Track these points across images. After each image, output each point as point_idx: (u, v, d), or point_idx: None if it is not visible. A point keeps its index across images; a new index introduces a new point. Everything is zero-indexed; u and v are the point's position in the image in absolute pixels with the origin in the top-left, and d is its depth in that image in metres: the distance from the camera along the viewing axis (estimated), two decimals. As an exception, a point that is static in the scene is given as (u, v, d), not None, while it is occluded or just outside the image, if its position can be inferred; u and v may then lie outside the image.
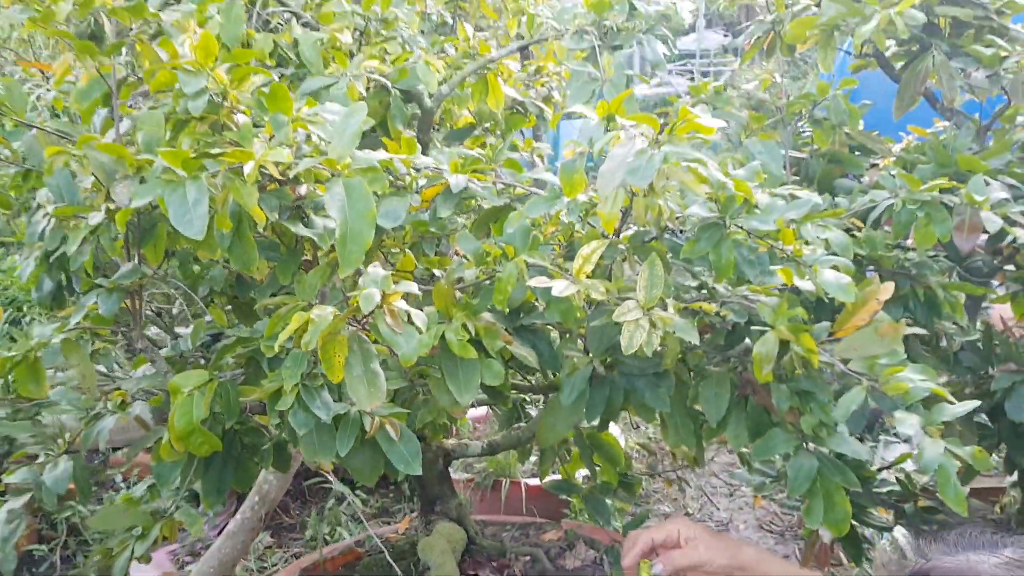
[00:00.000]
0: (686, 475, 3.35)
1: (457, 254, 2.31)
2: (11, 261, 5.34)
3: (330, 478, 4.18)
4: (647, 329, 1.55)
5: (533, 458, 4.61)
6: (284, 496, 4.55)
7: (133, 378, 1.80)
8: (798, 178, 2.92)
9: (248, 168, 1.31)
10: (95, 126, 1.72)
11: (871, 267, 2.23)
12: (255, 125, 1.53)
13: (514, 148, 3.05)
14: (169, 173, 1.32)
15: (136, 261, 1.64)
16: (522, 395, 2.55)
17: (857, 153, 3.01)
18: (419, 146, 2.04)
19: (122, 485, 4.54)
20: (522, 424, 2.47)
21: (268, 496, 3.75)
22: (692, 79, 14.31)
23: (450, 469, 3.59)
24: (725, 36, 16.06)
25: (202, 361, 1.91)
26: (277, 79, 1.77)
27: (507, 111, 3.28)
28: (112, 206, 1.52)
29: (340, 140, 1.40)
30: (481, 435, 4.52)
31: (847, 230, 2.25)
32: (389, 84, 2.14)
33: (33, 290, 2.36)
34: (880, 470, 2.95)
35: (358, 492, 4.97)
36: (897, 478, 3.04)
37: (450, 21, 3.87)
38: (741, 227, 1.67)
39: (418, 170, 1.86)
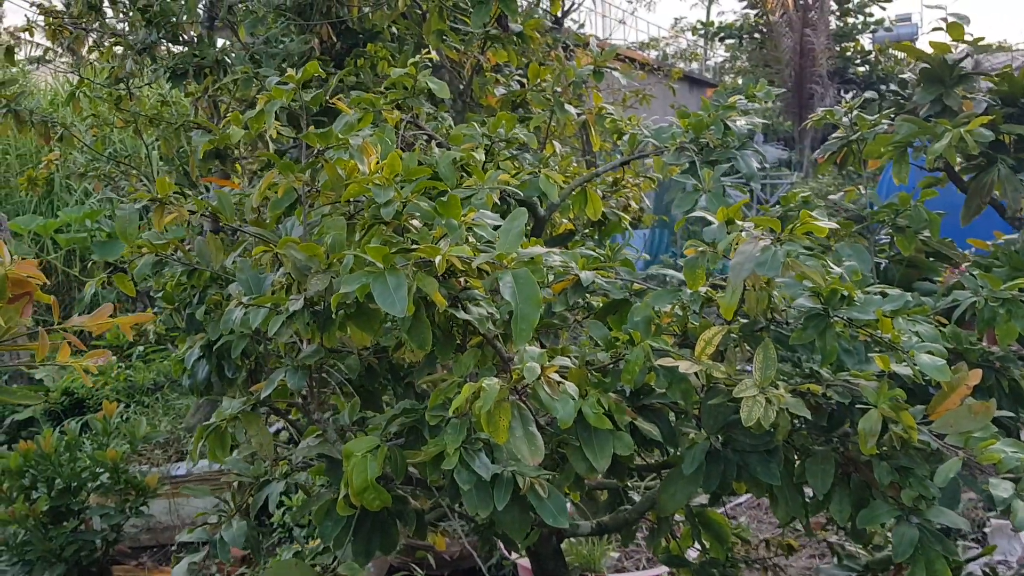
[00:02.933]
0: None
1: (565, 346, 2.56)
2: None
3: (415, 569, 4.34)
4: (764, 404, 1.77)
5: (615, 554, 4.73)
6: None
7: (302, 447, 2.05)
8: (878, 280, 3.14)
9: (437, 261, 1.59)
10: (286, 229, 2.03)
11: (958, 360, 2.40)
12: (428, 227, 1.82)
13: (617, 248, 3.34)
14: (371, 266, 1.61)
15: (320, 343, 1.91)
16: (625, 483, 2.74)
17: (932, 259, 3.23)
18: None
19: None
20: (627, 507, 2.65)
21: (366, 584, 3.91)
22: (750, 192, 14.69)
23: (520, 561, 3.73)
24: (783, 150, 16.46)
25: (359, 433, 2.15)
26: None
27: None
28: (307, 296, 1.81)
29: (506, 239, 1.68)
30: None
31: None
32: (520, 192, 2.43)
33: (186, 378, 2.67)
34: (967, 561, 3.05)
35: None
36: (983, 571, 3.13)
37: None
38: (843, 317, 1.89)
39: (550, 267, 2.13)
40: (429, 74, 2.69)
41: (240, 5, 4.33)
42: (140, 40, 4.06)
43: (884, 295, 2.23)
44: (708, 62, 36.80)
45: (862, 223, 2.85)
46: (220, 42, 5.50)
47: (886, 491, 1.98)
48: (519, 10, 3.84)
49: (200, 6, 4.45)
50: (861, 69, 26.37)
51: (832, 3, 26.19)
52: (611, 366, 1.96)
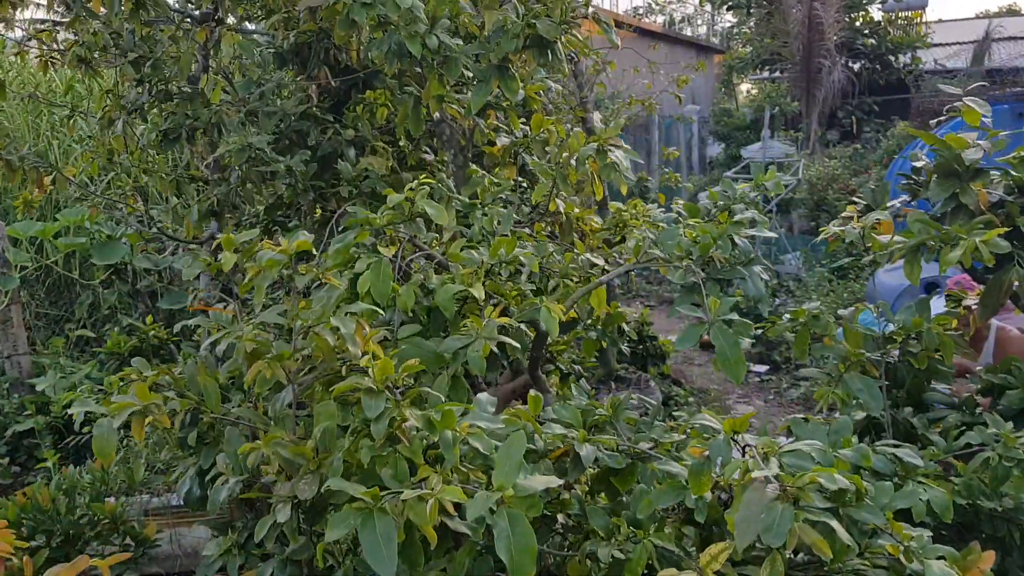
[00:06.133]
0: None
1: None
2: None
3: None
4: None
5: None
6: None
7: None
8: (888, 383, 3.06)
9: (429, 506, 1.52)
10: (280, 402, 1.96)
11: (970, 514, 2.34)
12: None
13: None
14: (360, 504, 1.54)
15: (308, 537, 1.85)
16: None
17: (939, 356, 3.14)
18: (541, 387, 2.25)
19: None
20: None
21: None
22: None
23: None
24: (790, 145, 16.26)
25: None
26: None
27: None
28: (294, 500, 1.74)
29: (503, 468, 1.60)
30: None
31: (946, 466, 2.41)
32: (515, 323, 2.36)
33: (184, 495, 2.64)
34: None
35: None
36: None
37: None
38: (853, 517, 1.82)
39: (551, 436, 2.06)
40: (426, 196, 2.57)
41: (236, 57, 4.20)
42: (131, 101, 3.94)
43: (896, 459, 2.17)
44: (716, 27, 36.28)
45: (875, 349, 2.76)
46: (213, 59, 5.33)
47: None
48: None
49: (196, 51, 4.32)
50: (871, 40, 25.87)
51: (842, -28, 25.63)
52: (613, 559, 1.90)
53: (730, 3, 30.61)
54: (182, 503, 2.49)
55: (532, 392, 2.19)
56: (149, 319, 7.90)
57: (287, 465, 1.79)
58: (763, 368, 8.94)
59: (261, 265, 2.05)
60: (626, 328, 4.01)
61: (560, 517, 2.17)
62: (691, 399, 8.00)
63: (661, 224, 3.26)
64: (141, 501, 5.81)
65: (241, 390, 2.61)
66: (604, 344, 3.22)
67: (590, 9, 3.55)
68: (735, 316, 2.35)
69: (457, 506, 1.81)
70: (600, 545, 1.89)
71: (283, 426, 1.91)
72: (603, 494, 2.21)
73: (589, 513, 1.95)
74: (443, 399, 1.85)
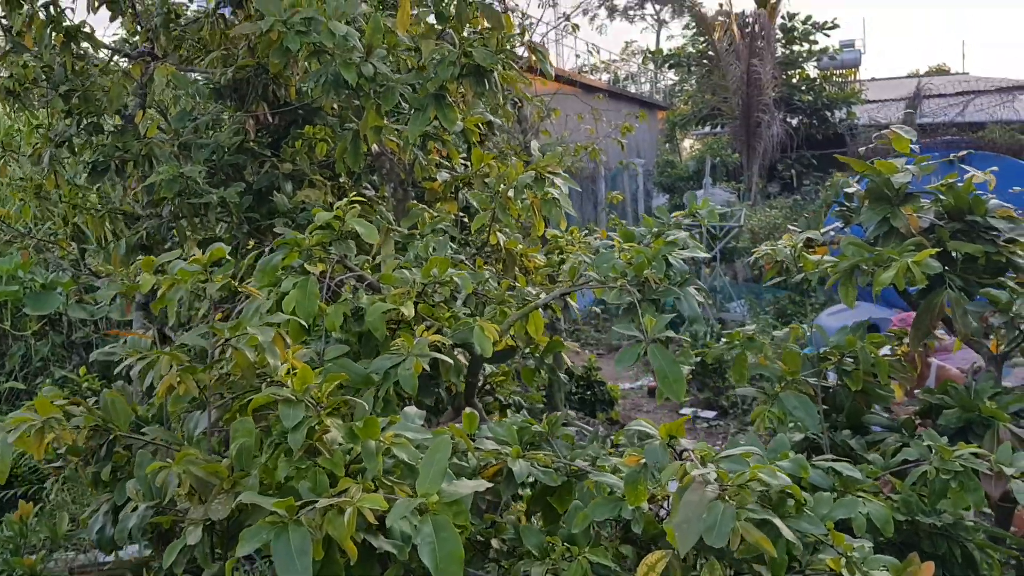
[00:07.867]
0: None
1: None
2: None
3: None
4: (710, 636, 1.64)
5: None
6: None
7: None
8: (827, 407, 3.05)
9: (347, 516, 1.43)
10: (195, 425, 1.86)
11: (911, 529, 2.31)
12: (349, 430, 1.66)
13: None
14: (274, 517, 1.44)
15: (222, 563, 1.74)
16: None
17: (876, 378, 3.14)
18: (476, 409, 2.18)
19: None
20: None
21: None
22: (699, 234, 14.70)
23: None
24: (731, 193, 16.58)
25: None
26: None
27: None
28: (208, 523, 1.64)
29: (427, 475, 1.53)
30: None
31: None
32: (447, 342, 2.29)
33: (96, 533, 2.49)
34: None
35: None
36: None
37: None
38: (793, 528, 1.78)
39: (483, 452, 1.98)
40: (357, 215, 2.52)
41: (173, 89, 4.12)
42: (59, 133, 3.83)
43: (834, 470, 2.13)
44: (659, 84, 37.19)
45: (810, 368, 2.74)
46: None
47: None
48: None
49: (133, 89, 4.23)
50: (808, 96, 26.68)
51: (778, 32, 26.48)
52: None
53: (672, 62, 31.42)
54: (95, 543, 2.34)
55: (467, 410, 2.12)
56: (83, 370, 7.64)
57: (200, 485, 1.69)
58: (711, 413, 8.94)
59: (174, 277, 1.96)
60: (568, 363, 3.92)
61: (495, 542, 2.08)
62: (638, 443, 7.94)
63: (598, 250, 3.24)
64: (66, 559, 5.54)
65: (160, 422, 2.50)
66: (543, 373, 3.16)
67: (527, 37, 3.55)
68: (672, 333, 2.32)
69: (383, 525, 1.73)
70: (534, 565, 1.81)
71: (199, 447, 1.81)
72: (541, 517, 2.14)
73: (523, 532, 1.87)
74: (369, 412, 1.77)
